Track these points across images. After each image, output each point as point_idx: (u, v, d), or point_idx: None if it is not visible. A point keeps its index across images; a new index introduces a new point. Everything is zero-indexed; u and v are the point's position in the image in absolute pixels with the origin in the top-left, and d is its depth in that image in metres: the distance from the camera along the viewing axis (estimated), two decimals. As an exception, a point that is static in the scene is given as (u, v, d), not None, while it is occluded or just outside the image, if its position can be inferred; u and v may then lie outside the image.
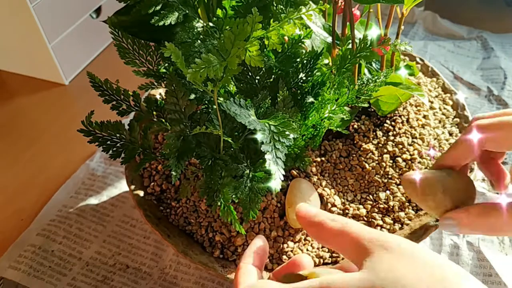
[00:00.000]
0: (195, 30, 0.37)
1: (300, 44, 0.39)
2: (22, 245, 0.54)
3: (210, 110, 0.37)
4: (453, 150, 0.38)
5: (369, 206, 0.43)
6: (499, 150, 0.46)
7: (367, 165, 0.46)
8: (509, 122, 0.36)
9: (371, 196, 0.44)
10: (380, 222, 0.41)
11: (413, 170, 0.45)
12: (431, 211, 0.37)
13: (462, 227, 0.36)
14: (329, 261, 0.40)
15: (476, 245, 0.51)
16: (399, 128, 0.48)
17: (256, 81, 0.39)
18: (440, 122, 0.51)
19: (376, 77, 0.40)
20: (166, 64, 0.41)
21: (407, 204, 0.43)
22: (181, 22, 0.37)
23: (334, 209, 0.42)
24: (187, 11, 0.38)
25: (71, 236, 0.54)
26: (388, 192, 0.44)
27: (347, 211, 0.43)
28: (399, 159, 0.46)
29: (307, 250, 0.40)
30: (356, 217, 0.42)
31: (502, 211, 0.35)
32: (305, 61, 0.39)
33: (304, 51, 0.40)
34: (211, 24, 0.37)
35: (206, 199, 0.36)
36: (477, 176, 0.55)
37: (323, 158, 0.46)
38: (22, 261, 0.52)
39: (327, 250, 0.40)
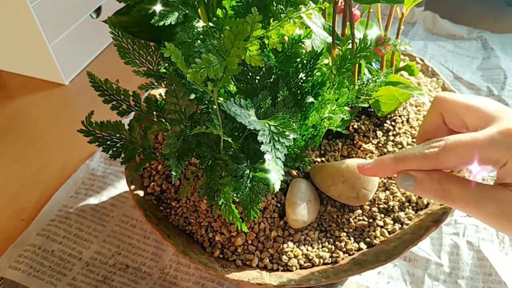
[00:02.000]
0: (195, 30, 0.37)
1: (300, 44, 0.39)
2: (22, 245, 0.54)
3: (210, 110, 0.37)
4: (420, 160, 0.34)
5: (368, 208, 0.43)
6: None
7: (367, 165, 0.45)
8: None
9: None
10: (381, 223, 0.41)
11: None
12: (337, 199, 0.42)
13: (418, 185, 0.35)
14: (329, 261, 0.40)
15: (476, 244, 0.51)
16: (399, 128, 0.48)
17: (256, 81, 0.39)
18: (440, 122, 0.51)
19: (376, 77, 0.40)
20: (166, 64, 0.41)
21: (407, 204, 0.43)
22: (181, 22, 0.37)
23: (333, 209, 0.43)
24: (187, 11, 0.38)
25: (71, 236, 0.54)
26: (388, 192, 0.44)
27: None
28: (399, 159, 0.46)
29: (307, 250, 0.40)
30: (355, 215, 0.42)
31: (460, 183, 0.33)
32: (305, 61, 0.39)
33: (304, 51, 0.40)
34: (211, 24, 0.37)
35: (207, 199, 0.36)
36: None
37: (323, 158, 0.46)
38: (22, 261, 0.52)
39: (327, 250, 0.40)
